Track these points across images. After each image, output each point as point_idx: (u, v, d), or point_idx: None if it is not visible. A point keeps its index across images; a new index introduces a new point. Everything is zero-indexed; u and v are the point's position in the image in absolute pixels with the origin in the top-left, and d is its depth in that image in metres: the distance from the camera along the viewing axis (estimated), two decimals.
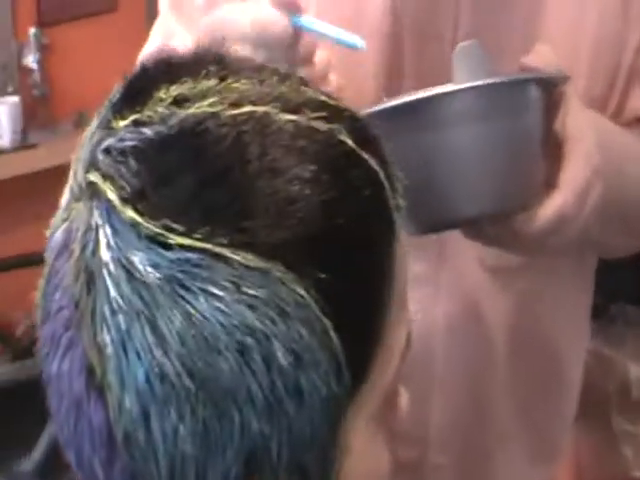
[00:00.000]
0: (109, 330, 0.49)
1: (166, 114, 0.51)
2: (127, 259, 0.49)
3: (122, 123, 0.52)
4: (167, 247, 0.49)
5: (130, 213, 0.49)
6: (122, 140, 0.51)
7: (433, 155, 0.79)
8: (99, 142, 0.52)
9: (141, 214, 0.49)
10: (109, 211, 0.50)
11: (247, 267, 0.49)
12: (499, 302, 1.00)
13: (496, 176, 0.80)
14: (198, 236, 0.49)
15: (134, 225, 0.49)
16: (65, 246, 0.52)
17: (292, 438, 0.50)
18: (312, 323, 0.50)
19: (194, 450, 0.49)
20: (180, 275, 0.49)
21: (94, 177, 0.51)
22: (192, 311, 0.49)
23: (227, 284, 0.49)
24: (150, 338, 0.49)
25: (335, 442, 0.53)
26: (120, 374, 0.49)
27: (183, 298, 0.49)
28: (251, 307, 0.49)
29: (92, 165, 0.51)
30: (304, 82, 0.57)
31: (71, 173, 0.53)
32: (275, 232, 0.49)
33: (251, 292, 0.49)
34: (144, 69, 0.56)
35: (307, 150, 0.52)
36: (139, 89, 0.54)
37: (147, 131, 0.51)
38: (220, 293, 0.49)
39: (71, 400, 0.52)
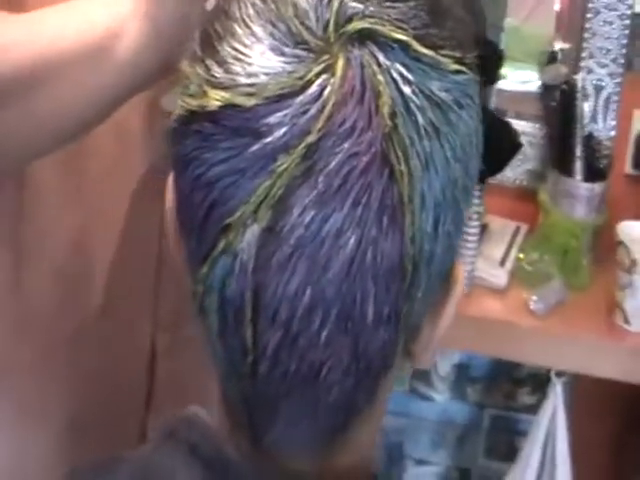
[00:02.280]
0: (418, 155, 0.54)
1: None
2: (429, 89, 0.54)
3: None
4: (453, 73, 0.56)
5: (422, 48, 0.54)
6: None
7: None
8: None
9: (431, 48, 0.55)
10: (398, 50, 0.54)
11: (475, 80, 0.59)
12: None
13: None
14: (467, 62, 0.57)
15: (427, 58, 0.55)
16: (349, 92, 0.53)
17: None
18: None
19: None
20: (459, 95, 0.56)
21: (362, 24, 0.54)
22: (465, 122, 0.57)
23: (475, 96, 0.58)
24: (448, 153, 0.55)
25: None
26: (422, 194, 0.54)
27: (459, 116, 0.56)
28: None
29: (352, 14, 0.54)
30: None
31: (282, 29, 0.55)
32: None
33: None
34: None
35: None
36: None
37: None
38: (473, 105, 0.58)
39: (363, 235, 0.53)
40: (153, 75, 0.77)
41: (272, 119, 0.53)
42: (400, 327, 0.56)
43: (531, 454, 1.81)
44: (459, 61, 0.56)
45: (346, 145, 0.52)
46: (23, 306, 1.04)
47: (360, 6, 0.54)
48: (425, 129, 0.54)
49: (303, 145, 0.52)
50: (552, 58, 1.93)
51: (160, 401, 1.12)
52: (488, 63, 0.61)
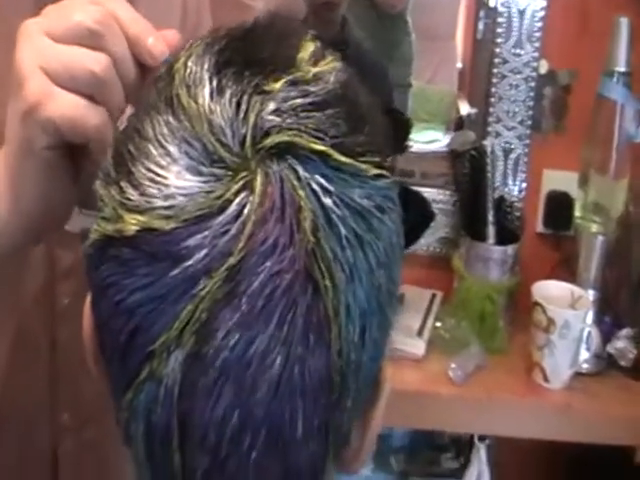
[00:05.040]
0: (342, 267, 0.52)
1: (319, 72, 0.56)
2: (350, 198, 0.53)
3: (277, 85, 0.54)
4: (373, 179, 0.55)
5: (341, 157, 0.53)
6: (286, 100, 0.54)
7: None
8: (261, 107, 0.53)
9: (351, 156, 0.54)
10: (317, 162, 0.53)
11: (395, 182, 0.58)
12: None
13: None
14: (386, 166, 0.56)
15: (347, 167, 0.53)
16: (270, 209, 0.51)
17: None
18: None
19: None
20: (380, 200, 0.55)
21: (280, 137, 0.52)
22: (388, 227, 0.56)
23: (395, 198, 0.57)
24: (372, 260, 0.54)
25: None
26: (347, 306, 0.52)
27: (382, 221, 0.55)
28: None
29: (269, 128, 0.53)
30: None
31: (202, 146, 0.53)
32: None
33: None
34: (252, 33, 0.58)
35: None
36: (265, 52, 0.56)
37: (311, 88, 0.55)
38: (394, 207, 0.57)
39: (289, 354, 0.51)
40: (16, 246, 0.74)
41: (191, 242, 0.51)
42: (330, 438, 0.55)
43: None
44: (379, 165, 0.55)
45: (268, 264, 0.51)
46: None
47: (277, 119, 0.53)
48: (348, 239, 0.53)
49: (225, 267, 0.51)
50: (459, 124, 1.95)
51: None
52: (396, 132, 0.60)
